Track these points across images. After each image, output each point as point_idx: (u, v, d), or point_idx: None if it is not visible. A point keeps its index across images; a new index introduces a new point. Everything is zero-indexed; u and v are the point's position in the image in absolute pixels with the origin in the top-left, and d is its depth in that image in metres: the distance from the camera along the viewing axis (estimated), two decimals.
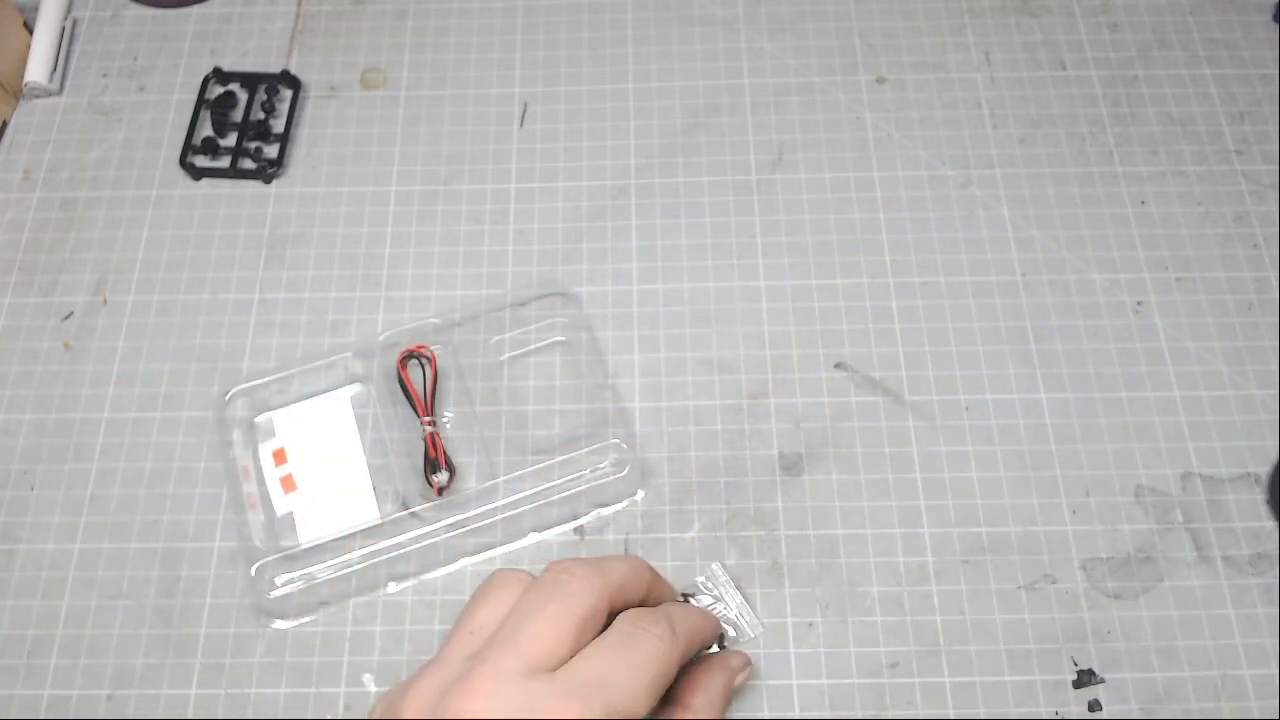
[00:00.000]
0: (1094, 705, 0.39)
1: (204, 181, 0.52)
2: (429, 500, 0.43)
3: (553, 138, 0.52)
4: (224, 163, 0.52)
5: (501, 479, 0.42)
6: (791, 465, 0.44)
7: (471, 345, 0.46)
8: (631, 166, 0.52)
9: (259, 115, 0.53)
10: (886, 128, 0.52)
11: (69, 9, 0.57)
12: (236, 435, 0.45)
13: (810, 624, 0.41)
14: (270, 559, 0.41)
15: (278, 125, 0.53)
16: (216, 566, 0.43)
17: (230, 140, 0.53)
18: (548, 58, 0.55)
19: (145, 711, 0.40)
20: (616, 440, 0.43)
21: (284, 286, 0.49)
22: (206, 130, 0.53)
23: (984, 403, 0.45)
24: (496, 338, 0.47)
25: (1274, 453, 0.44)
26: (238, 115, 0.53)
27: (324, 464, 0.44)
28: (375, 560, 0.41)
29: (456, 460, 0.44)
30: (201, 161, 0.52)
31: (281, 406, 0.46)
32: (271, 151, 0.52)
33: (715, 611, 0.40)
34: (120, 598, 0.42)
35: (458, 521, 0.42)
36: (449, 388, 0.46)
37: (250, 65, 0.55)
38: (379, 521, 0.42)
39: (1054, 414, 0.45)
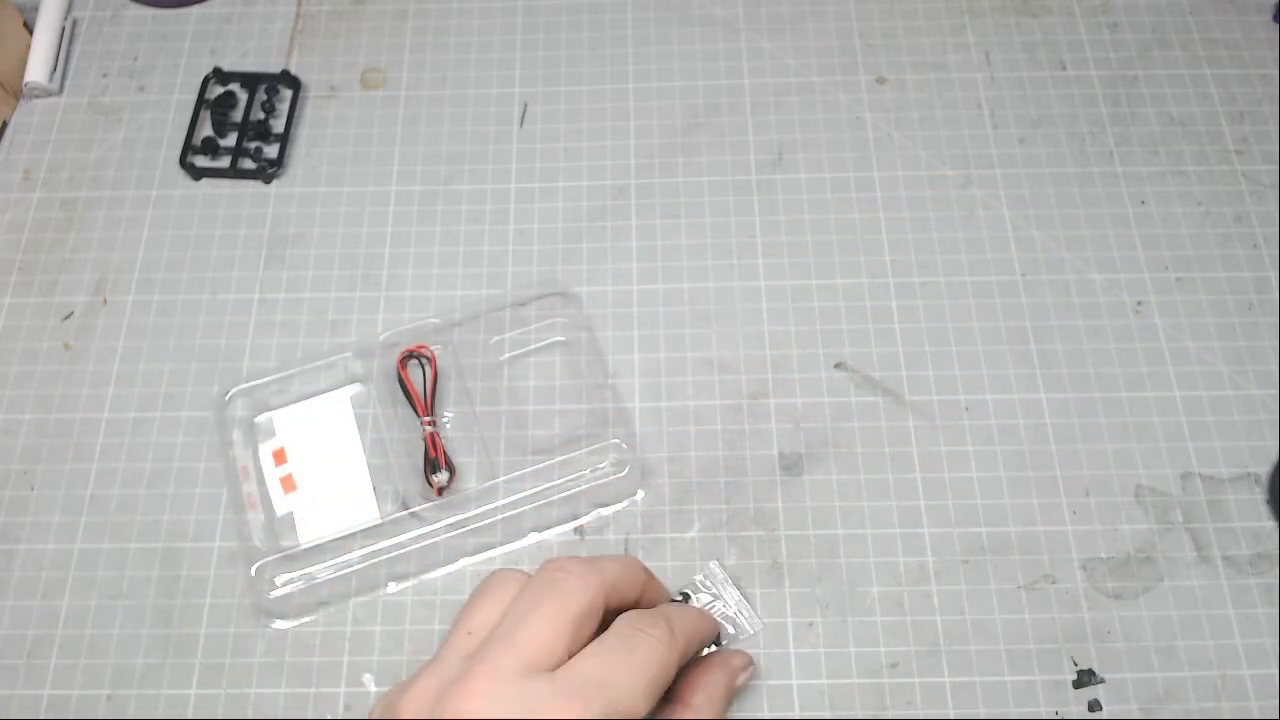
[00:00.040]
0: (1094, 705, 0.39)
1: (204, 181, 0.52)
2: (429, 500, 0.43)
3: (553, 138, 0.52)
4: (224, 163, 0.52)
5: (501, 479, 0.42)
6: (791, 465, 0.44)
7: (471, 345, 0.46)
8: (631, 166, 0.52)
9: (259, 115, 0.53)
10: (886, 128, 0.52)
11: (69, 9, 0.57)
12: (236, 435, 0.45)
13: (810, 624, 0.41)
14: (270, 559, 0.41)
15: (278, 125, 0.53)
16: (216, 566, 0.43)
17: (230, 140, 0.53)
18: (548, 58, 0.55)
19: (145, 711, 0.40)
20: (616, 440, 0.43)
21: (284, 286, 0.49)
22: (206, 130, 0.53)
23: (984, 403, 0.45)
24: (496, 338, 0.47)
25: (1274, 453, 0.44)
26: (238, 115, 0.53)
27: (324, 464, 0.44)
28: (375, 560, 0.41)
29: (456, 460, 0.44)
30: (201, 161, 0.52)
31: (281, 406, 0.46)
32: (271, 151, 0.52)
33: (714, 610, 0.40)
34: (120, 598, 0.42)
35: (458, 521, 0.42)
36: (449, 388, 0.46)
37: (250, 65, 0.55)
38: (379, 521, 0.42)
39: (1054, 414, 0.45)
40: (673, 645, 0.31)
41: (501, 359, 0.47)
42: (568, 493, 0.42)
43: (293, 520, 0.43)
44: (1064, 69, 0.54)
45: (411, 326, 0.46)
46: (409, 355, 0.45)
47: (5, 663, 0.41)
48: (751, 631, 0.40)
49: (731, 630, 0.40)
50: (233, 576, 0.42)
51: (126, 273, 0.49)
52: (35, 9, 0.56)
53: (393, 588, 0.42)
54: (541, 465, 0.43)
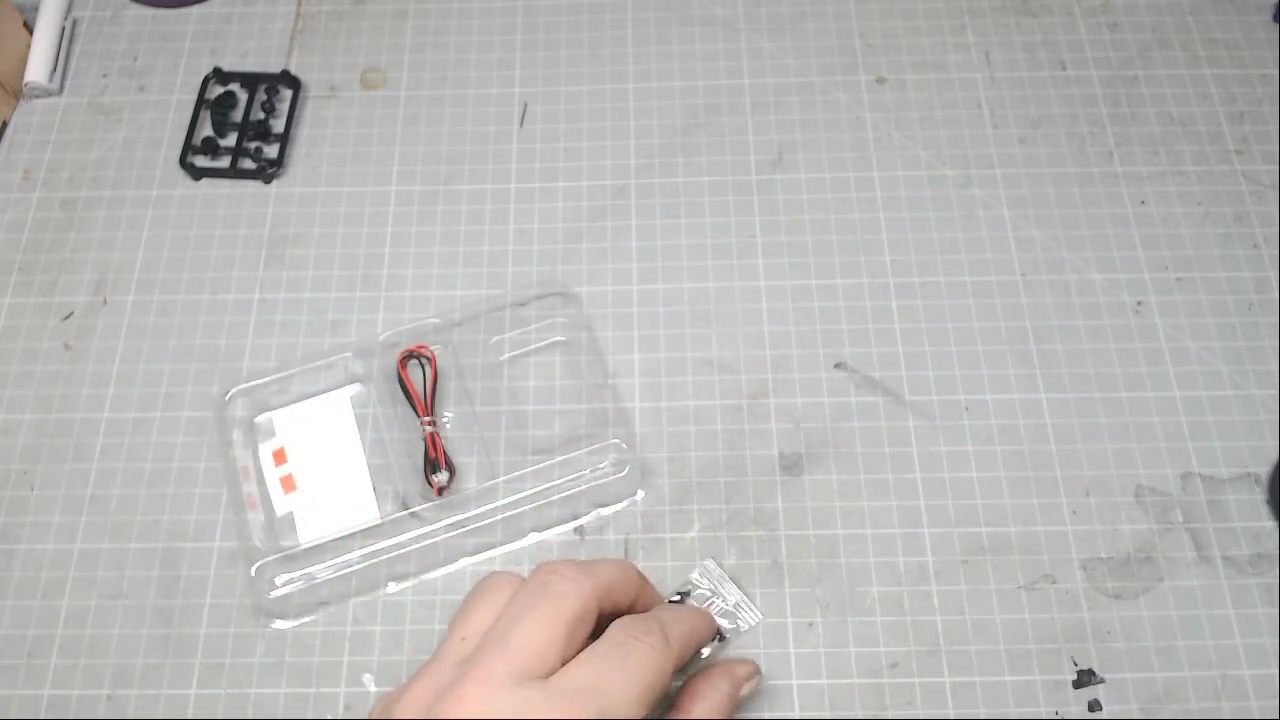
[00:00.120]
0: (1094, 705, 0.39)
1: (204, 181, 0.52)
2: (429, 500, 0.43)
3: (553, 138, 0.52)
4: (224, 163, 0.52)
5: (501, 479, 0.42)
6: (791, 465, 0.44)
7: (471, 345, 0.46)
8: (631, 166, 0.52)
9: (259, 115, 0.53)
10: (886, 128, 0.52)
11: (69, 9, 0.57)
12: (236, 435, 0.45)
13: (810, 624, 0.41)
14: (270, 559, 0.41)
15: (278, 125, 0.53)
16: (216, 566, 0.43)
17: (230, 140, 0.53)
18: (548, 58, 0.55)
19: (145, 711, 0.40)
20: (616, 440, 0.43)
21: (284, 286, 0.49)
22: (206, 130, 0.53)
23: (984, 403, 0.45)
24: (496, 338, 0.47)
25: (1274, 453, 0.44)
26: (238, 115, 0.53)
27: (324, 464, 0.44)
28: (375, 560, 0.41)
29: (456, 460, 0.44)
30: (201, 161, 0.52)
31: (281, 406, 0.46)
32: (271, 151, 0.52)
33: (712, 606, 0.40)
34: (120, 598, 0.42)
35: (458, 521, 0.42)
36: (449, 388, 0.46)
37: (250, 65, 0.55)
38: (379, 521, 0.42)
39: (1054, 414, 0.45)
40: (667, 652, 0.31)
41: (501, 359, 0.47)
42: (568, 493, 0.42)
43: (293, 520, 0.43)
44: (1064, 69, 0.54)
45: (411, 326, 0.46)
46: (409, 355, 0.45)
47: (5, 663, 0.41)
48: (752, 624, 0.40)
49: (730, 626, 0.40)
50: (233, 576, 0.42)
51: (126, 273, 0.49)
52: (35, 9, 0.56)
53: (393, 588, 0.42)
54: (541, 465, 0.43)
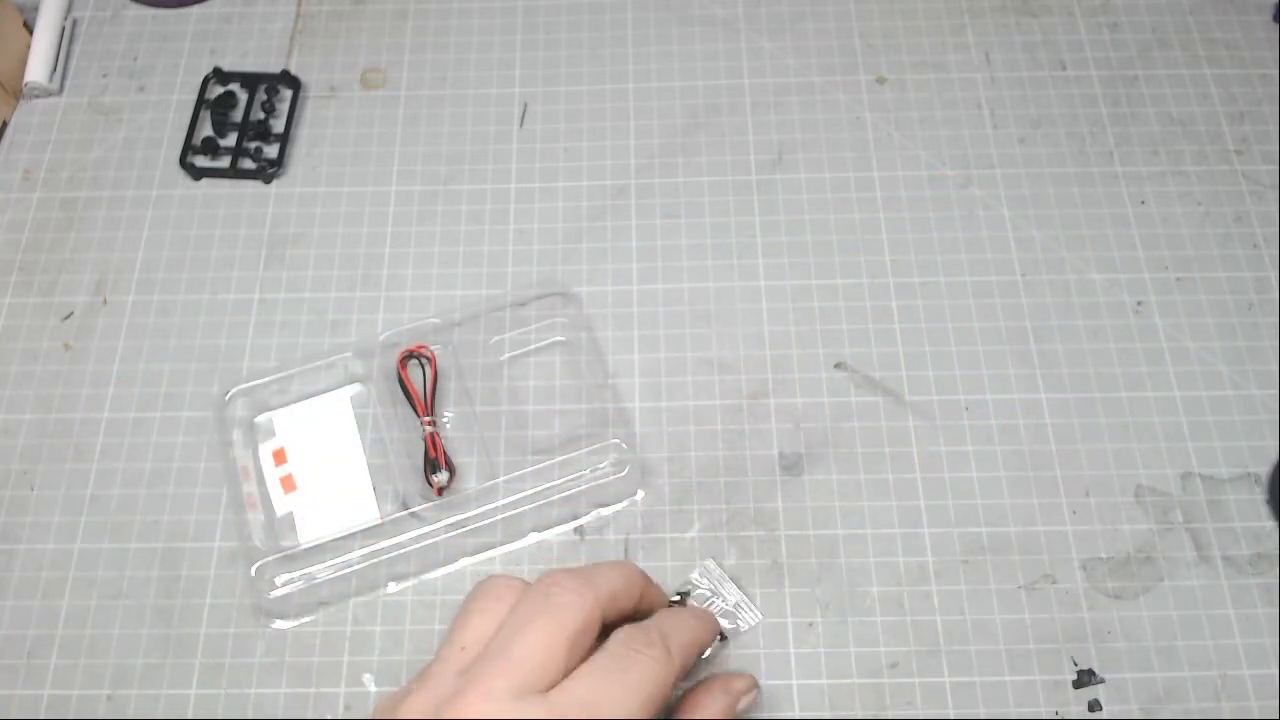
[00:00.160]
0: (1094, 705, 0.39)
1: (204, 181, 0.52)
2: (429, 500, 0.43)
3: (553, 138, 0.52)
4: (224, 163, 0.52)
5: (501, 479, 0.42)
6: (791, 465, 0.44)
7: (471, 345, 0.46)
8: (631, 166, 0.52)
9: (259, 115, 0.53)
10: (886, 128, 0.52)
11: (69, 9, 0.57)
12: (236, 435, 0.45)
13: (810, 624, 0.41)
14: (270, 559, 0.41)
15: (278, 125, 0.53)
16: (216, 566, 0.43)
17: (230, 140, 0.53)
18: (548, 58, 0.55)
19: (145, 711, 0.40)
20: (616, 440, 0.43)
21: (284, 286, 0.49)
22: (206, 130, 0.53)
23: (984, 403, 0.45)
24: (496, 338, 0.47)
25: (1274, 453, 0.44)
26: (238, 115, 0.53)
27: (324, 464, 0.44)
28: (375, 560, 0.41)
29: (456, 460, 0.44)
30: (201, 161, 0.52)
31: (281, 406, 0.46)
32: (271, 151, 0.52)
33: (713, 607, 0.40)
34: (120, 598, 0.42)
35: (458, 521, 0.42)
36: (449, 388, 0.46)
37: (250, 65, 0.55)
38: (379, 521, 0.42)
39: (1054, 414, 0.45)
40: (669, 664, 0.31)
41: (501, 359, 0.47)
42: (568, 493, 0.42)
43: (293, 520, 0.43)
44: (1064, 69, 0.54)
45: (411, 326, 0.46)
46: (409, 355, 0.45)
47: (5, 663, 0.41)
48: (752, 624, 0.40)
49: (731, 626, 0.40)
50: (233, 576, 0.42)
51: (126, 273, 0.49)
52: (35, 9, 0.56)
53: (393, 588, 0.42)
54: (541, 465, 0.43)
